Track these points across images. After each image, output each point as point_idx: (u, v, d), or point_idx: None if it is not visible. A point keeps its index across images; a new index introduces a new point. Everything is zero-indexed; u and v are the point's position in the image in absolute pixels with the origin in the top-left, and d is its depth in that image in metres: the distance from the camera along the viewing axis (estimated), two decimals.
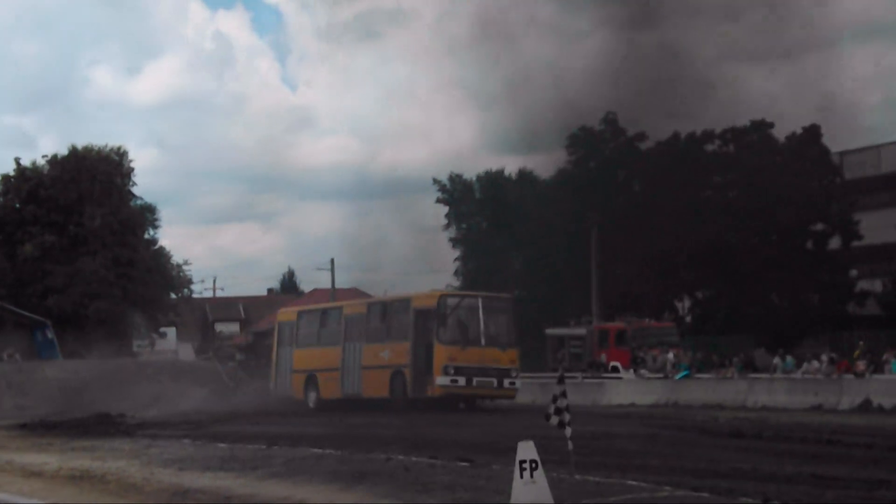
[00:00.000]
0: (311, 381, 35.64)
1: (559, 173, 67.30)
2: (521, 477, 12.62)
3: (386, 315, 34.09)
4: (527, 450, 12.77)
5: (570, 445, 14.58)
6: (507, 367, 31.60)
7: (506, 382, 31.58)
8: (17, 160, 54.31)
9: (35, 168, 54.10)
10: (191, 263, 60.21)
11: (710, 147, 61.53)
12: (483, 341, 31.53)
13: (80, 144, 54.90)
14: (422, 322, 32.07)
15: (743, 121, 61.07)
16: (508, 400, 32.77)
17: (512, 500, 12.53)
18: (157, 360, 48.57)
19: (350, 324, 34.99)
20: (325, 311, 38.38)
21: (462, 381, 30.96)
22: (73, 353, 42.86)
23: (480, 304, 32.24)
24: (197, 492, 15.35)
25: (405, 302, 33.49)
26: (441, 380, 31.02)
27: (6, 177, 54.13)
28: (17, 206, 53.03)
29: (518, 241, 68.62)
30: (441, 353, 31.24)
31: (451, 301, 32.72)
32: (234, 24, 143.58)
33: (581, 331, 50.55)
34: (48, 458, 20.88)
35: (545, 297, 65.94)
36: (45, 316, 45.48)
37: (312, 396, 35.47)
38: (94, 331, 46.22)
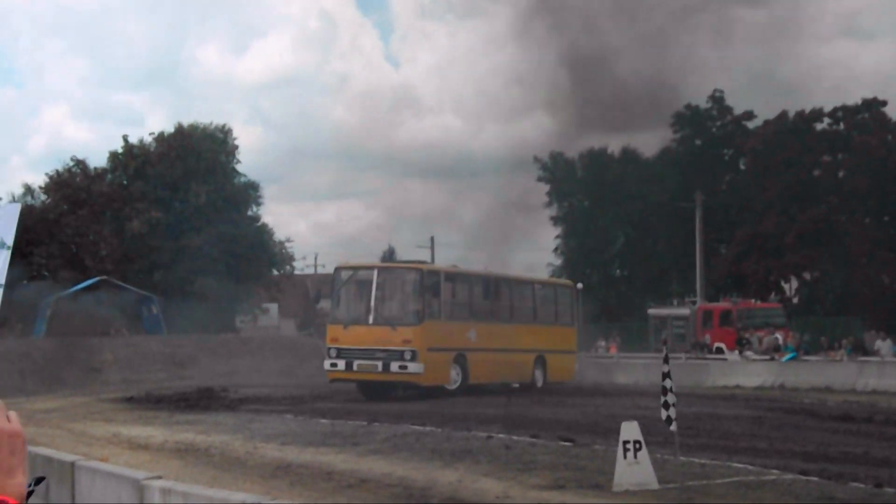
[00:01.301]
0: None
1: (663, 152, 66.53)
2: (625, 457, 12.42)
3: None
4: (630, 430, 12.56)
5: (675, 426, 14.28)
6: (400, 348, 26.90)
7: (394, 366, 26.81)
8: (125, 137, 55.41)
9: (142, 145, 55.07)
10: (293, 240, 60.86)
11: (819, 126, 60.20)
12: (371, 319, 27.44)
13: (186, 122, 55.78)
14: None
15: (854, 99, 59.67)
16: (415, 386, 27.69)
17: (615, 481, 12.32)
18: (260, 336, 49.21)
19: None
20: None
21: (342, 364, 27.29)
22: (177, 328, 43.58)
23: (375, 277, 27.83)
24: (299, 466, 15.41)
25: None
26: (325, 363, 28.00)
27: (114, 154, 55.18)
28: (125, 182, 54.05)
29: (620, 220, 67.97)
30: (328, 334, 28.21)
31: (345, 274, 28.71)
32: (338, 2, 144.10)
33: (685, 311, 49.87)
34: (154, 431, 21.21)
35: (647, 276, 65.29)
36: (151, 291, 46.29)
37: None
38: (199, 306, 46.93)
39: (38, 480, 8.73)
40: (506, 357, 29.50)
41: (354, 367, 27.11)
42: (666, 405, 14.06)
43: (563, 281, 40.09)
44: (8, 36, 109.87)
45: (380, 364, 26.89)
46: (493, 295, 30.62)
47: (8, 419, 1.82)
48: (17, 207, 14.41)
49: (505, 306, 31.12)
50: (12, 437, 1.80)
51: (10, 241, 13.26)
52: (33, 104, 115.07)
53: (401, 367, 26.74)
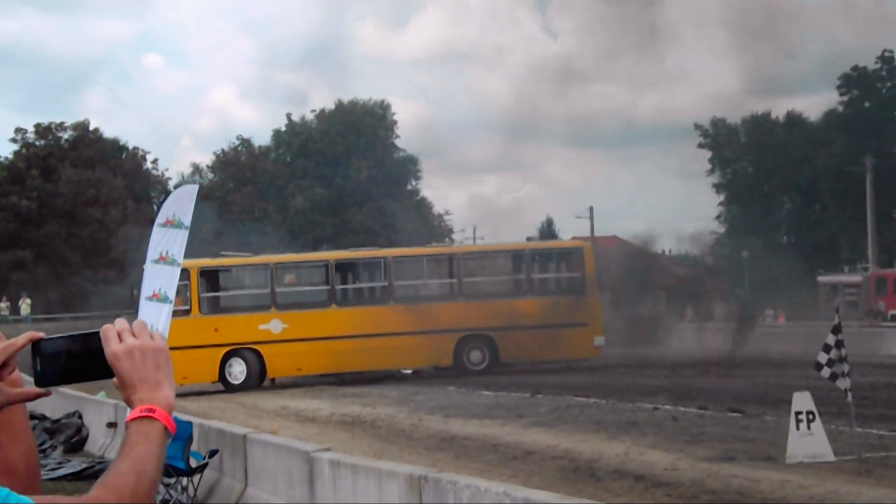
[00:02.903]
0: None
1: (829, 115, 64.39)
2: (798, 429, 12.05)
3: None
4: (802, 401, 12.18)
5: (850, 397, 13.74)
6: None
7: None
8: (288, 116, 56.65)
9: (304, 123, 56.12)
10: (451, 213, 61.25)
11: None
12: None
13: (346, 99, 56.63)
14: None
15: None
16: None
17: (788, 453, 11.96)
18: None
19: None
20: None
21: None
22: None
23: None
24: (464, 438, 15.44)
25: None
26: None
27: (278, 132, 56.43)
28: (289, 160, 55.23)
29: (786, 186, 66.11)
30: None
31: None
32: None
33: (856, 278, 48.18)
34: (321, 404, 21.60)
35: (816, 243, 63.42)
36: None
37: None
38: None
39: (213, 453, 8.99)
40: (365, 343, 26.70)
41: None
42: (833, 376, 13.54)
43: (527, 245, 31.52)
44: (178, 20, 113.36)
45: None
46: (338, 279, 28.27)
47: (152, 337, 1.90)
48: (195, 189, 14.77)
49: (378, 289, 28.50)
50: (157, 353, 1.89)
51: (187, 221, 13.61)
52: (202, 86, 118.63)
53: None
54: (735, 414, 16.47)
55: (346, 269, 28.96)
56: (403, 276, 28.88)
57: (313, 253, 27.90)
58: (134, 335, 1.89)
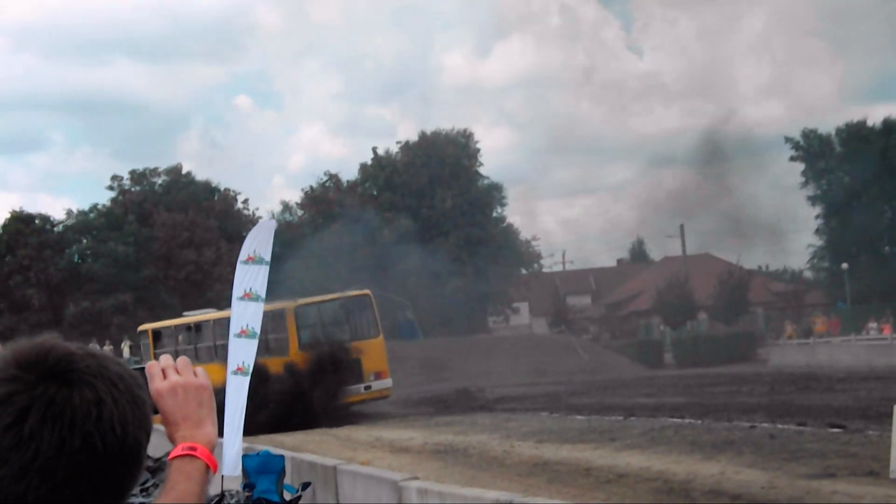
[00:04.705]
0: None
1: None
2: None
3: None
4: None
5: None
6: None
7: None
8: (374, 149, 57.13)
9: (389, 156, 56.52)
10: (539, 238, 61.07)
11: None
12: None
13: (430, 130, 56.89)
14: None
15: None
16: None
17: (892, 468, 11.57)
18: (513, 335, 49.42)
19: None
20: None
21: None
22: (431, 332, 44.35)
23: None
24: (556, 463, 15.25)
25: None
26: None
27: (364, 166, 56.92)
28: (375, 193, 55.62)
29: (887, 194, 64.53)
30: None
31: None
32: None
33: None
34: (414, 434, 21.53)
35: None
36: (404, 297, 47.29)
37: None
38: (451, 309, 47.63)
39: (305, 486, 8.80)
40: None
41: None
42: None
43: None
44: (266, 62, 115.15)
45: None
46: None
47: (195, 374, 1.89)
48: (273, 224, 14.90)
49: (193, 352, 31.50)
50: (200, 391, 1.88)
51: (268, 256, 13.68)
52: (292, 124, 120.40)
53: None
54: (836, 429, 16.03)
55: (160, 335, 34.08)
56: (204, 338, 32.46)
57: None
58: (178, 372, 1.87)
